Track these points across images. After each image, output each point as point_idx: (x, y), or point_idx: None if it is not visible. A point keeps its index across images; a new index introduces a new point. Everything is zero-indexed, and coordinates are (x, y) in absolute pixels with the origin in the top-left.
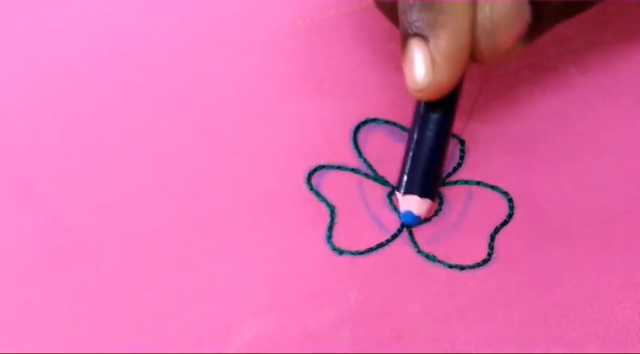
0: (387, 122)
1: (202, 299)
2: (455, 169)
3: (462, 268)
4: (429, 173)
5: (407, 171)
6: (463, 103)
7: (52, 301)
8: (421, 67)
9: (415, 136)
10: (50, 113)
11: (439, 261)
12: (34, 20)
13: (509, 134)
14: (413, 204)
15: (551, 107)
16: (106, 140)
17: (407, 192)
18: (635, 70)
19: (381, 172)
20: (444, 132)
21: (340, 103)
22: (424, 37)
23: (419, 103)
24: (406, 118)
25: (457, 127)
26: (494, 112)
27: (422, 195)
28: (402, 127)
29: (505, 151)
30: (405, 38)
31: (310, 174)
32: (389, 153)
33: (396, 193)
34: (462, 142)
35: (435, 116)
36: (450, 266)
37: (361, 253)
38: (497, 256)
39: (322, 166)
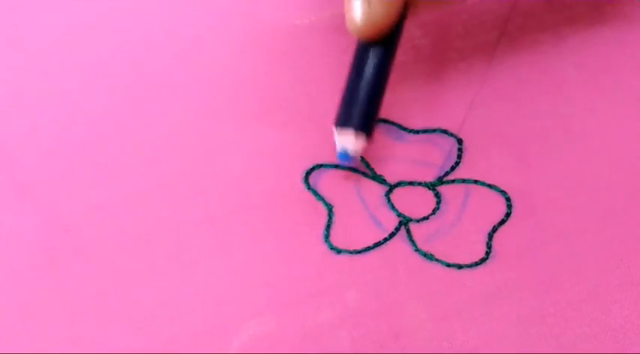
0: (384, 121)
1: (200, 299)
2: (452, 168)
3: (460, 266)
4: (364, 107)
5: (342, 105)
6: (461, 102)
7: (50, 301)
8: (358, 8)
9: (353, 71)
10: (48, 114)
11: (437, 260)
12: (34, 21)
13: (507, 133)
14: (348, 139)
15: (550, 106)
16: (104, 141)
17: (341, 125)
18: (634, 69)
19: (378, 170)
20: (381, 68)
21: (338, 101)
22: None
23: (359, 43)
24: (405, 117)
25: (455, 125)
26: (492, 111)
27: (357, 129)
28: (400, 126)
29: (503, 150)
30: None
31: (307, 173)
32: (386, 152)
33: (333, 128)
34: (460, 141)
35: (372, 52)
36: (448, 265)
37: (359, 251)
38: (494, 254)
39: (319, 165)
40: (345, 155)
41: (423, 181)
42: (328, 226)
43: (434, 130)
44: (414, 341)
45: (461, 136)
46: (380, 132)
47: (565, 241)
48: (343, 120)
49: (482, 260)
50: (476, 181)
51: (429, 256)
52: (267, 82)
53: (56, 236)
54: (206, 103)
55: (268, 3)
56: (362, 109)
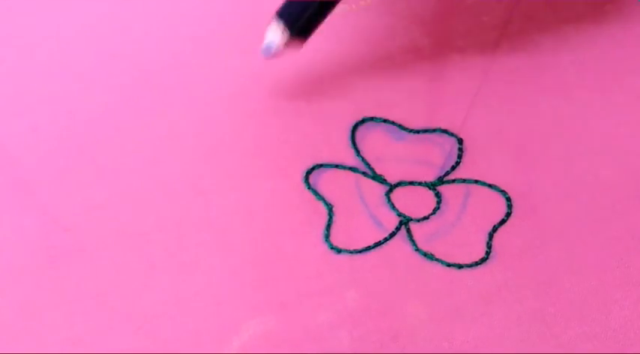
0: (384, 121)
1: (200, 299)
2: (453, 168)
3: (460, 266)
4: (305, 8)
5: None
6: (461, 102)
7: (50, 301)
8: None
9: None
10: (48, 113)
11: (437, 259)
12: (34, 21)
13: (507, 133)
14: (275, 32)
15: (550, 106)
16: (104, 141)
17: (278, 16)
18: (634, 69)
19: (378, 170)
20: None
21: (338, 101)
22: None
23: None
24: (405, 117)
25: (455, 125)
26: (492, 111)
27: (286, 22)
28: (400, 126)
29: (503, 150)
30: None
31: (308, 173)
32: (387, 151)
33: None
34: (460, 141)
35: None
36: (448, 265)
37: (359, 251)
38: (495, 254)
39: (320, 165)
40: (268, 48)
41: (423, 181)
42: (328, 226)
43: (434, 130)
44: (414, 341)
45: (461, 135)
46: (380, 132)
47: (565, 241)
48: (280, 12)
49: (483, 260)
50: (476, 181)
51: (429, 256)
52: (267, 81)
53: (56, 236)
54: (206, 103)
55: (268, 3)
56: (302, 8)
